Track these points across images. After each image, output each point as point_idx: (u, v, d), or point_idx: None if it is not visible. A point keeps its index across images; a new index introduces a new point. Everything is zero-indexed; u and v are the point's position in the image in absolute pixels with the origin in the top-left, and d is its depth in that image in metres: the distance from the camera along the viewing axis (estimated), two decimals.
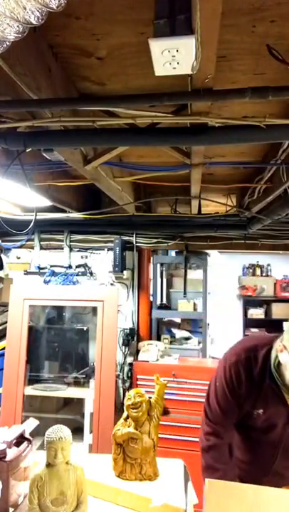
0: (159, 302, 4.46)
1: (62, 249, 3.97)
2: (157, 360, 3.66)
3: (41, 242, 4.01)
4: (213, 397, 1.72)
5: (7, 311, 3.61)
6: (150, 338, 4.01)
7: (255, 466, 1.72)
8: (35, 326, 3.75)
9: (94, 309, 3.56)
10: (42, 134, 1.76)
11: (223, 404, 1.68)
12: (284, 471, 1.70)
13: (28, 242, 3.91)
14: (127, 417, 1.74)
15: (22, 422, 2.13)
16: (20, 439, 1.59)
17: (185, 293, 4.14)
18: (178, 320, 4.62)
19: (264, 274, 6.63)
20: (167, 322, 4.61)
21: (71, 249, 3.97)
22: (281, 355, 1.52)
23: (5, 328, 3.57)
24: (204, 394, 3.54)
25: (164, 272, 4.87)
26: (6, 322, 3.59)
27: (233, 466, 1.70)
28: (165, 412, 3.34)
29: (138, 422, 1.71)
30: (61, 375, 3.60)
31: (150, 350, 3.70)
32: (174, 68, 1.18)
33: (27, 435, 1.63)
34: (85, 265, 3.93)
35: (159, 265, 4.33)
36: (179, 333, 4.36)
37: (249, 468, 1.73)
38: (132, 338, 3.86)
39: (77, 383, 3.55)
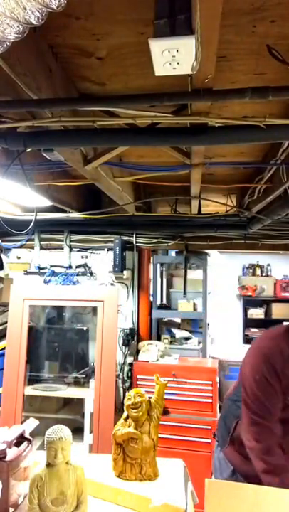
0: (159, 302, 4.46)
1: (62, 249, 3.97)
2: (157, 360, 3.66)
3: (41, 242, 4.01)
4: (255, 388, 1.61)
5: (7, 311, 3.61)
6: (150, 338, 4.01)
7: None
8: (35, 326, 3.75)
9: (94, 309, 3.56)
10: (42, 134, 1.76)
11: (266, 394, 1.59)
12: None
13: (28, 242, 3.91)
14: (127, 417, 1.74)
15: (22, 422, 2.13)
16: (21, 439, 1.59)
17: (185, 293, 4.14)
18: (178, 320, 4.62)
19: (264, 274, 6.63)
20: (167, 322, 4.60)
21: (71, 249, 3.97)
22: None
23: (5, 328, 3.57)
24: (204, 394, 3.57)
25: (164, 272, 4.87)
26: (6, 322, 3.59)
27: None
28: (165, 412, 3.34)
29: (138, 422, 1.71)
30: (61, 375, 3.60)
31: (150, 350, 3.70)
32: (174, 68, 1.18)
33: (27, 435, 1.63)
34: (85, 265, 3.93)
35: (159, 265, 4.33)
36: (179, 333, 4.36)
37: None
38: (132, 338, 3.86)
39: (77, 383, 3.55)
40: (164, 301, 4.76)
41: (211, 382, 3.45)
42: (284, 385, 1.58)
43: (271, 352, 1.61)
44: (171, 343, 4.17)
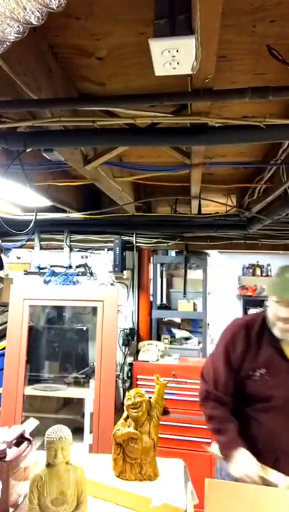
0: (159, 302, 4.46)
1: (62, 249, 3.96)
2: (157, 360, 3.66)
3: (41, 242, 4.01)
4: (210, 358, 1.92)
5: (7, 311, 3.61)
6: (150, 338, 4.00)
7: (265, 448, 1.70)
8: (35, 326, 3.74)
9: (94, 309, 3.55)
10: (42, 134, 1.76)
11: (215, 363, 1.84)
12: None
13: (28, 242, 3.91)
14: (127, 417, 1.74)
15: (22, 422, 2.12)
16: (21, 439, 1.59)
17: (185, 293, 4.14)
18: (178, 320, 4.62)
19: (264, 274, 6.63)
20: (167, 322, 4.60)
21: (71, 249, 3.97)
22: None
23: (5, 328, 3.57)
24: None
25: (164, 272, 4.86)
26: (6, 322, 3.59)
27: (233, 420, 1.75)
28: (165, 412, 3.34)
29: (138, 422, 1.71)
30: (61, 375, 3.60)
31: (150, 350, 3.70)
32: (174, 68, 1.18)
33: (27, 435, 1.63)
34: (85, 265, 3.93)
35: (159, 265, 4.33)
36: (179, 333, 4.36)
37: (260, 452, 1.70)
38: (132, 338, 3.86)
39: (77, 383, 3.55)
40: (164, 301, 4.76)
41: None
42: (236, 360, 1.77)
43: (233, 334, 1.83)
44: (171, 343, 4.16)
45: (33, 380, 3.55)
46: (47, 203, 3.00)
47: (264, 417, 1.73)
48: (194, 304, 4.21)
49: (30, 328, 3.55)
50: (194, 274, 4.42)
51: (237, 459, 1.62)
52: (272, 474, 1.56)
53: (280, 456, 1.68)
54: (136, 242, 3.87)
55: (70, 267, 3.93)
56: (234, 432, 1.69)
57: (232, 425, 1.72)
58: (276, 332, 1.70)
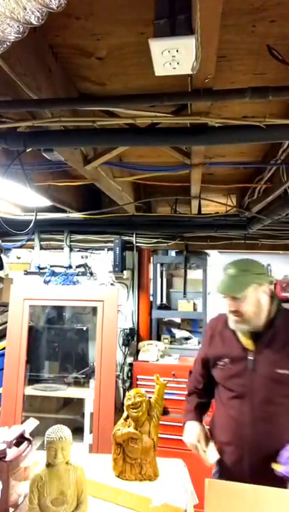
0: (159, 302, 4.46)
1: (62, 249, 3.96)
2: (157, 360, 3.66)
3: (41, 242, 4.01)
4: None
5: (7, 311, 3.61)
6: (150, 338, 4.01)
7: (234, 439, 1.73)
8: (35, 326, 3.75)
9: (94, 309, 3.56)
10: (42, 134, 1.76)
11: (201, 347, 2.12)
12: (262, 439, 1.67)
13: (28, 242, 3.91)
14: (127, 417, 1.74)
15: (22, 422, 2.12)
16: (21, 439, 1.59)
17: (185, 293, 4.14)
18: (178, 320, 4.62)
19: None
20: (167, 322, 4.60)
21: (71, 249, 3.97)
22: None
23: (5, 328, 3.57)
24: None
25: (164, 272, 4.86)
26: (6, 322, 3.59)
27: (200, 395, 2.00)
28: (165, 412, 3.34)
29: (138, 422, 1.71)
30: (61, 375, 3.60)
31: (150, 350, 3.70)
32: (174, 68, 1.18)
33: (27, 435, 1.63)
34: (85, 265, 3.93)
35: (159, 265, 4.33)
36: (179, 333, 4.36)
37: (230, 444, 1.74)
38: (132, 338, 3.86)
39: (77, 383, 3.55)
40: (164, 301, 4.76)
41: None
42: (205, 350, 1.99)
43: (206, 328, 2.08)
44: (171, 343, 4.16)
45: (33, 380, 3.55)
46: (47, 203, 3.00)
47: (231, 406, 1.77)
48: (194, 304, 4.21)
49: (30, 328, 3.55)
50: (194, 274, 4.42)
51: (185, 429, 1.85)
52: (208, 451, 1.73)
53: (246, 447, 1.67)
54: (136, 242, 3.87)
55: (70, 267, 3.93)
56: (193, 405, 1.95)
57: (195, 399, 1.98)
58: (230, 324, 1.82)
